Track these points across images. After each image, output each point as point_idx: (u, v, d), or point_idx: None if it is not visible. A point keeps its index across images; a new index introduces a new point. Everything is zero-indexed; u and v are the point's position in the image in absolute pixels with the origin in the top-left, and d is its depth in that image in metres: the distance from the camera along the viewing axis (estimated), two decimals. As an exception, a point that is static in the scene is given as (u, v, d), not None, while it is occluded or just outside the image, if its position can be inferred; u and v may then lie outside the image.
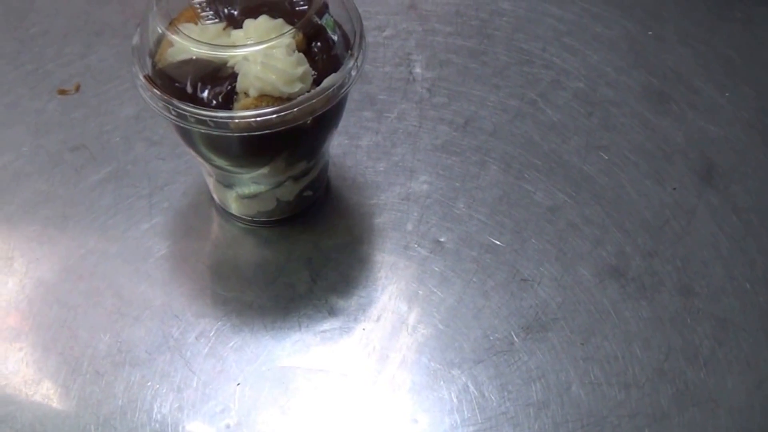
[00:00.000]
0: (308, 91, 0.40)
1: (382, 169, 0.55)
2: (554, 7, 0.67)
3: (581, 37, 0.65)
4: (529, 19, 0.66)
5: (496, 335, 0.47)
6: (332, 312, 0.48)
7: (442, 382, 0.45)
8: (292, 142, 0.43)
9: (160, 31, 0.40)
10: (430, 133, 0.57)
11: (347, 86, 0.42)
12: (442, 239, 0.51)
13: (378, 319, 0.47)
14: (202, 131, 0.40)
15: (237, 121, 0.39)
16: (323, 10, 0.42)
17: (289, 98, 0.39)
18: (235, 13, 0.42)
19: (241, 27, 0.41)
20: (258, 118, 0.39)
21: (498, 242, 0.51)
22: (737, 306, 0.48)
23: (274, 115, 0.39)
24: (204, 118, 0.39)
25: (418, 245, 0.51)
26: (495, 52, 0.63)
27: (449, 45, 0.64)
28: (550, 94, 0.60)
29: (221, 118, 0.39)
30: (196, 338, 0.47)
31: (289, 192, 0.49)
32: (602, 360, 0.46)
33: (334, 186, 0.54)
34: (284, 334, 0.47)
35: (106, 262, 0.50)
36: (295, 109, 0.39)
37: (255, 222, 0.51)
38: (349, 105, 0.57)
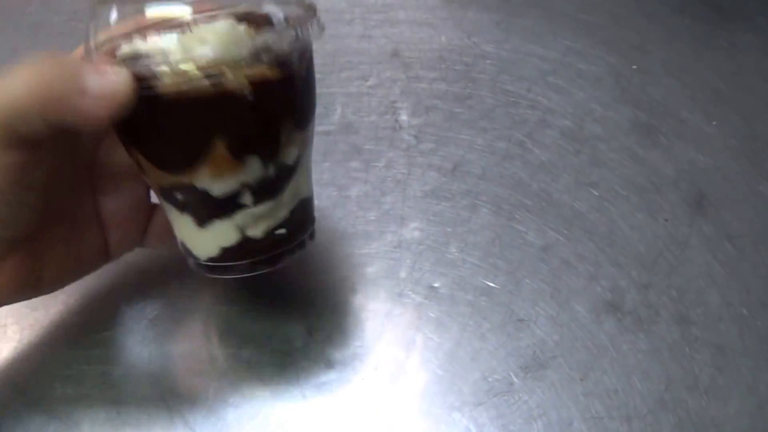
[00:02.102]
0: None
1: (372, 218, 0.59)
2: (537, 47, 0.72)
3: (566, 75, 0.70)
4: (513, 60, 0.71)
5: (495, 377, 0.51)
6: (330, 364, 0.51)
7: (443, 427, 0.49)
8: (231, 121, 0.39)
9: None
10: (419, 180, 0.62)
11: (291, 55, 0.39)
12: (436, 285, 0.55)
13: (376, 367, 0.51)
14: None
15: (167, 81, 0.36)
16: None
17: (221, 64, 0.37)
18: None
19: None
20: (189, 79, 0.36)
21: (492, 284, 0.55)
22: (735, 332, 0.52)
23: (206, 80, 0.36)
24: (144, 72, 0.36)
25: (413, 292, 0.55)
26: (480, 95, 0.68)
27: (434, 91, 0.69)
28: (537, 134, 0.65)
29: (153, 79, 0.36)
30: (195, 397, 0.50)
31: (252, 221, 0.43)
32: (602, 394, 0.50)
33: (324, 238, 0.58)
34: (283, 388, 0.50)
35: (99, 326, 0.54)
36: (229, 73, 0.37)
37: (225, 268, 0.45)
38: (336, 156, 0.62)
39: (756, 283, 0.55)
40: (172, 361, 0.52)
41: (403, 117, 0.66)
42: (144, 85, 0.36)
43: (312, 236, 0.48)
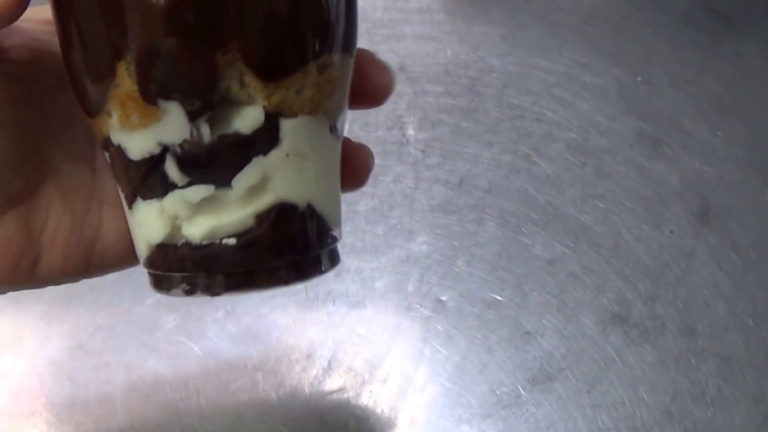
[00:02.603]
0: None
1: (380, 232, 0.60)
2: (542, 60, 0.72)
3: (571, 88, 0.70)
4: (518, 73, 0.71)
5: (503, 389, 0.51)
6: (339, 376, 0.52)
7: (452, 440, 0.49)
8: (138, 40, 0.26)
9: None
10: (426, 194, 0.62)
11: None
12: (443, 298, 0.56)
13: (385, 380, 0.51)
14: None
15: None
16: None
17: None
18: None
19: None
20: None
21: (499, 297, 0.56)
22: (741, 343, 0.52)
23: None
24: None
25: (420, 305, 0.55)
26: (486, 109, 0.68)
27: (440, 105, 0.69)
28: (543, 147, 0.65)
29: None
30: (207, 407, 0.51)
31: (185, 211, 0.29)
32: (609, 406, 0.50)
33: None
34: (292, 398, 0.51)
35: (114, 338, 0.54)
36: None
37: (158, 279, 0.33)
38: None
39: (762, 293, 0.55)
40: (185, 373, 0.52)
41: (410, 131, 0.67)
42: None
43: (298, 274, 0.31)
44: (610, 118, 0.67)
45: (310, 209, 0.30)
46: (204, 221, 0.29)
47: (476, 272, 0.57)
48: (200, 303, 0.56)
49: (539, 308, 0.55)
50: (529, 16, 0.75)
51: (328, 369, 0.52)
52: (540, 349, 0.53)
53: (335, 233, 0.33)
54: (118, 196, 0.32)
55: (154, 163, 0.29)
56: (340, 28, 0.29)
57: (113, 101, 0.28)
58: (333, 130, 0.31)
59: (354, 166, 0.36)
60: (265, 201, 0.29)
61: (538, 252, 0.58)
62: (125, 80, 0.27)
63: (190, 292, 0.31)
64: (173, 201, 0.29)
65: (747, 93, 0.69)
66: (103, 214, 0.35)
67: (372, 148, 0.64)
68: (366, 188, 0.62)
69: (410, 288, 0.56)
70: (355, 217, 0.61)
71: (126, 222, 0.33)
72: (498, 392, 0.51)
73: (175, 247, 0.30)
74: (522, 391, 0.51)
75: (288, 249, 0.30)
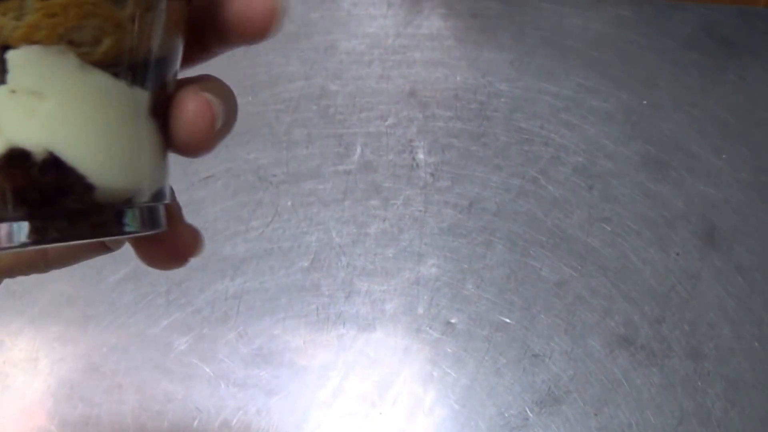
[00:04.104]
0: None
1: (390, 255, 0.59)
2: (550, 84, 0.72)
3: (578, 112, 0.69)
4: (526, 98, 0.71)
5: (511, 411, 0.50)
6: (349, 398, 0.51)
7: (460, 462, 0.48)
8: None
9: None
10: (436, 217, 0.62)
11: None
12: (453, 320, 0.55)
13: (394, 402, 0.51)
14: None
15: None
16: None
17: None
18: None
19: None
20: None
21: (508, 320, 0.55)
22: (747, 365, 0.52)
23: None
24: None
25: (430, 328, 0.55)
26: (495, 133, 0.68)
27: (450, 129, 0.69)
28: (550, 171, 0.64)
29: None
30: (218, 429, 0.50)
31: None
32: (616, 429, 0.49)
33: (344, 274, 0.58)
34: (303, 419, 0.50)
35: (127, 360, 0.54)
36: None
37: None
38: (355, 194, 0.62)
39: (767, 316, 0.54)
40: (197, 394, 0.52)
41: (420, 155, 0.66)
42: None
43: (40, 233, 0.26)
44: (616, 142, 0.67)
45: (53, 158, 0.25)
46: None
47: (485, 295, 0.56)
48: (212, 325, 0.55)
49: (547, 330, 0.54)
50: (537, 41, 0.75)
51: (339, 391, 0.52)
52: (548, 371, 0.52)
53: (114, 191, 0.26)
54: None
55: None
56: None
57: None
58: (110, 68, 0.26)
59: (187, 124, 0.28)
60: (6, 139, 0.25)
61: (546, 275, 0.57)
62: None
63: None
64: None
65: (751, 117, 0.68)
66: None
67: (382, 171, 0.65)
68: (377, 211, 0.62)
69: (420, 310, 0.56)
70: (366, 239, 0.60)
71: None
72: (506, 414, 0.50)
73: None
74: (530, 414, 0.50)
75: (16, 202, 0.25)
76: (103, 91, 0.26)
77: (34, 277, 0.55)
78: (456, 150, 0.67)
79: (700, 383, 0.51)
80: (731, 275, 0.57)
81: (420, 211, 0.62)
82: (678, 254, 0.58)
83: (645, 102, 0.70)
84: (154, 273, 0.59)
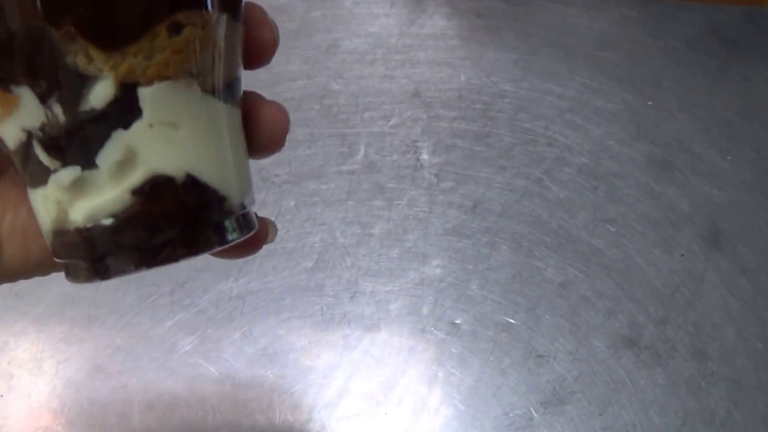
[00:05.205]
0: None
1: (395, 255, 0.60)
2: (555, 85, 0.73)
3: (582, 113, 0.70)
4: (531, 98, 0.72)
5: (516, 412, 0.51)
6: (354, 398, 0.52)
7: (465, 461, 0.50)
8: None
9: None
10: (441, 218, 0.63)
11: None
12: (457, 321, 0.56)
13: (399, 402, 0.52)
14: None
15: None
16: None
17: None
18: None
19: None
20: None
21: (512, 320, 0.56)
22: (750, 366, 0.53)
23: None
24: None
25: (435, 328, 0.56)
26: (499, 133, 0.69)
27: (454, 130, 0.70)
28: (555, 172, 0.66)
29: None
30: (224, 429, 0.51)
31: (65, 196, 0.28)
32: (621, 429, 0.50)
33: (349, 274, 0.59)
34: (307, 420, 0.52)
35: (132, 360, 0.55)
36: None
37: (64, 267, 0.31)
38: (360, 195, 0.63)
39: (771, 317, 0.55)
40: (202, 393, 0.53)
41: (424, 156, 0.68)
42: None
43: (198, 244, 0.29)
44: (621, 143, 0.68)
45: (191, 179, 0.28)
46: (83, 204, 0.28)
47: (490, 295, 0.58)
48: (217, 325, 0.56)
49: (552, 331, 0.55)
50: (542, 41, 0.76)
51: (344, 391, 0.53)
52: (552, 372, 0.53)
53: (234, 201, 0.30)
54: None
55: (25, 150, 0.28)
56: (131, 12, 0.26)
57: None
58: (216, 92, 0.29)
59: (267, 128, 0.32)
60: (137, 176, 0.27)
61: (551, 275, 0.58)
62: None
63: (89, 278, 0.29)
64: (52, 187, 0.28)
65: (755, 118, 0.69)
66: None
67: (386, 172, 0.66)
68: (381, 212, 0.63)
69: (424, 311, 0.57)
70: (371, 240, 0.61)
71: None
72: (511, 415, 0.51)
73: (66, 233, 0.29)
74: (535, 414, 0.51)
75: (168, 223, 0.28)
76: (217, 112, 0.29)
77: (36, 278, 0.56)
78: (460, 150, 0.68)
79: (704, 384, 0.52)
80: (735, 276, 0.58)
81: (424, 211, 0.63)
82: (682, 255, 0.59)
83: (650, 103, 0.71)
84: (158, 273, 0.60)
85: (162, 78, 0.26)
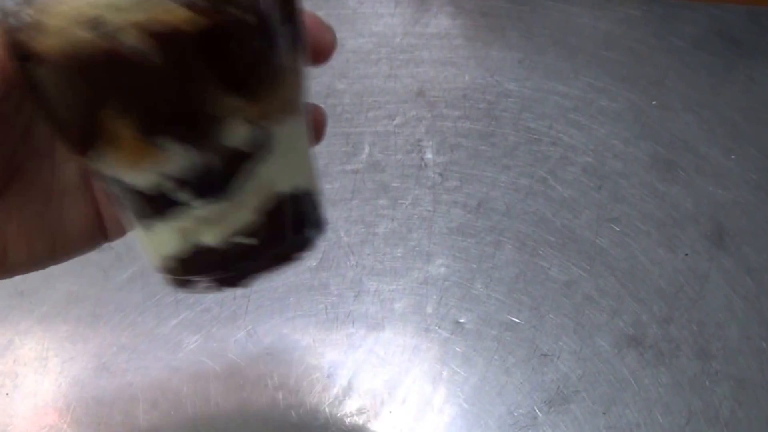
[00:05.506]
0: None
1: (399, 254, 0.61)
2: (559, 84, 0.73)
3: (587, 112, 0.71)
4: (535, 98, 0.72)
5: (520, 411, 0.52)
6: (358, 396, 0.53)
7: (470, 460, 0.50)
8: (128, 90, 0.26)
9: None
10: (445, 217, 0.63)
11: None
12: (462, 320, 0.56)
13: (404, 401, 0.52)
14: None
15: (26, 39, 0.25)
16: None
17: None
18: None
19: None
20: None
21: (517, 320, 0.56)
22: (755, 365, 0.53)
23: (88, 35, 0.25)
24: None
25: (439, 327, 0.56)
26: (503, 133, 0.69)
27: (458, 129, 0.70)
28: (559, 171, 0.66)
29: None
30: (229, 428, 0.52)
31: (199, 225, 0.31)
32: (625, 428, 0.50)
33: (353, 273, 0.59)
34: (312, 418, 0.52)
35: (137, 359, 0.56)
36: (125, 27, 0.25)
37: (182, 282, 0.34)
38: (364, 194, 0.63)
39: (775, 316, 0.56)
40: (207, 392, 0.53)
41: (429, 155, 0.68)
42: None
43: (305, 245, 0.34)
44: (625, 142, 0.68)
45: (302, 191, 0.32)
46: (213, 229, 0.30)
47: (494, 294, 0.58)
48: (222, 324, 0.57)
49: (556, 330, 0.56)
50: (546, 41, 0.77)
51: (348, 389, 0.53)
52: (556, 371, 0.53)
53: (318, 193, 0.34)
54: (79, 186, 0.36)
55: (158, 190, 0.29)
56: (300, 39, 0.31)
57: (108, 145, 0.28)
58: (303, 109, 0.33)
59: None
60: (266, 199, 0.31)
61: (555, 274, 0.59)
62: (118, 126, 0.27)
63: (210, 290, 0.33)
64: (184, 219, 0.30)
65: (760, 117, 0.70)
66: (63, 204, 0.36)
67: (391, 171, 0.66)
68: (385, 211, 0.63)
69: (429, 310, 0.57)
70: (375, 239, 0.62)
71: (86, 207, 0.36)
72: (515, 414, 0.52)
73: (194, 254, 0.31)
74: (539, 413, 0.51)
75: (287, 232, 0.32)
76: (306, 125, 0.33)
77: (41, 277, 0.57)
78: (464, 150, 0.68)
79: (708, 383, 0.52)
80: (740, 276, 0.58)
81: (428, 210, 0.64)
82: (687, 255, 0.60)
83: (654, 102, 0.71)
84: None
85: (287, 114, 0.30)
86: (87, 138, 0.28)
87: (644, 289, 0.58)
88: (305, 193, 0.33)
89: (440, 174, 0.66)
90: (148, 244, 0.32)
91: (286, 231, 0.32)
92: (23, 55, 0.26)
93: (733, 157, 0.66)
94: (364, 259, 0.60)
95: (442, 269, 0.59)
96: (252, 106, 0.28)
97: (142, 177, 0.29)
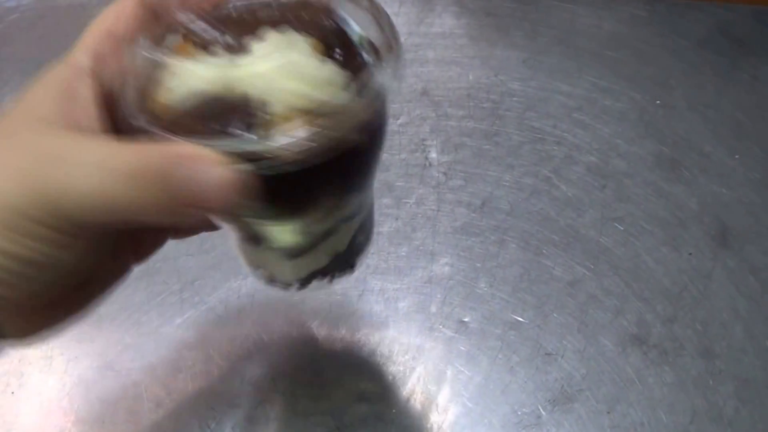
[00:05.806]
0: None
1: (403, 254, 0.61)
2: (563, 84, 0.74)
3: (591, 112, 0.71)
4: (539, 97, 0.73)
5: (524, 410, 0.52)
6: (362, 396, 0.53)
7: (474, 458, 0.50)
8: (348, 168, 0.35)
9: (157, 61, 0.33)
10: (449, 216, 0.63)
11: (391, 87, 0.33)
12: (466, 319, 0.57)
13: (408, 400, 0.53)
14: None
15: (283, 147, 0.30)
16: (329, 10, 0.36)
17: (324, 114, 0.31)
18: (233, 38, 0.34)
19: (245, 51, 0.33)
20: (303, 140, 0.30)
21: (521, 319, 0.57)
22: (758, 364, 0.53)
23: (323, 131, 0.30)
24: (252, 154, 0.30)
25: (443, 326, 0.56)
26: (507, 132, 0.70)
27: (463, 128, 0.70)
28: (563, 170, 0.66)
29: (263, 150, 0.30)
30: (232, 428, 0.52)
31: (341, 240, 0.42)
32: (629, 427, 0.51)
33: (357, 273, 0.59)
34: (317, 419, 0.52)
35: (142, 357, 0.56)
36: (344, 119, 0.31)
37: (310, 285, 0.44)
38: (369, 194, 0.64)
39: (779, 315, 0.56)
40: (211, 392, 0.54)
41: (433, 154, 0.68)
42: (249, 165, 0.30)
43: (355, 266, 0.46)
44: (629, 142, 0.68)
45: (360, 241, 0.44)
46: (348, 236, 0.42)
47: (498, 293, 0.58)
48: (226, 322, 0.57)
49: (560, 329, 0.56)
50: (550, 40, 0.77)
51: (353, 389, 0.53)
52: (560, 370, 0.54)
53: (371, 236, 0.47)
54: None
55: (330, 229, 0.40)
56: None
57: (315, 210, 0.37)
58: None
59: None
60: (342, 247, 0.42)
61: (559, 274, 0.59)
62: (328, 196, 0.36)
63: (332, 282, 0.44)
64: (335, 240, 0.41)
65: (764, 117, 0.70)
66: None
67: (395, 170, 0.67)
68: (390, 210, 0.63)
69: (433, 309, 0.57)
70: (379, 238, 0.62)
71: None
72: (519, 413, 0.52)
73: (331, 262, 0.42)
74: (543, 412, 0.52)
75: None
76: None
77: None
78: (469, 149, 0.68)
79: (711, 382, 0.53)
80: (743, 275, 0.58)
81: (433, 209, 0.64)
82: (690, 254, 0.60)
83: (658, 102, 0.72)
84: (167, 271, 0.61)
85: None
86: (299, 211, 0.37)
87: (648, 288, 0.58)
88: (363, 243, 0.44)
89: (444, 173, 0.67)
90: (293, 269, 0.42)
91: (345, 264, 0.44)
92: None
93: (737, 156, 0.66)
94: (369, 258, 0.61)
95: (447, 268, 0.60)
96: (348, 199, 0.38)
97: (325, 225, 0.39)
